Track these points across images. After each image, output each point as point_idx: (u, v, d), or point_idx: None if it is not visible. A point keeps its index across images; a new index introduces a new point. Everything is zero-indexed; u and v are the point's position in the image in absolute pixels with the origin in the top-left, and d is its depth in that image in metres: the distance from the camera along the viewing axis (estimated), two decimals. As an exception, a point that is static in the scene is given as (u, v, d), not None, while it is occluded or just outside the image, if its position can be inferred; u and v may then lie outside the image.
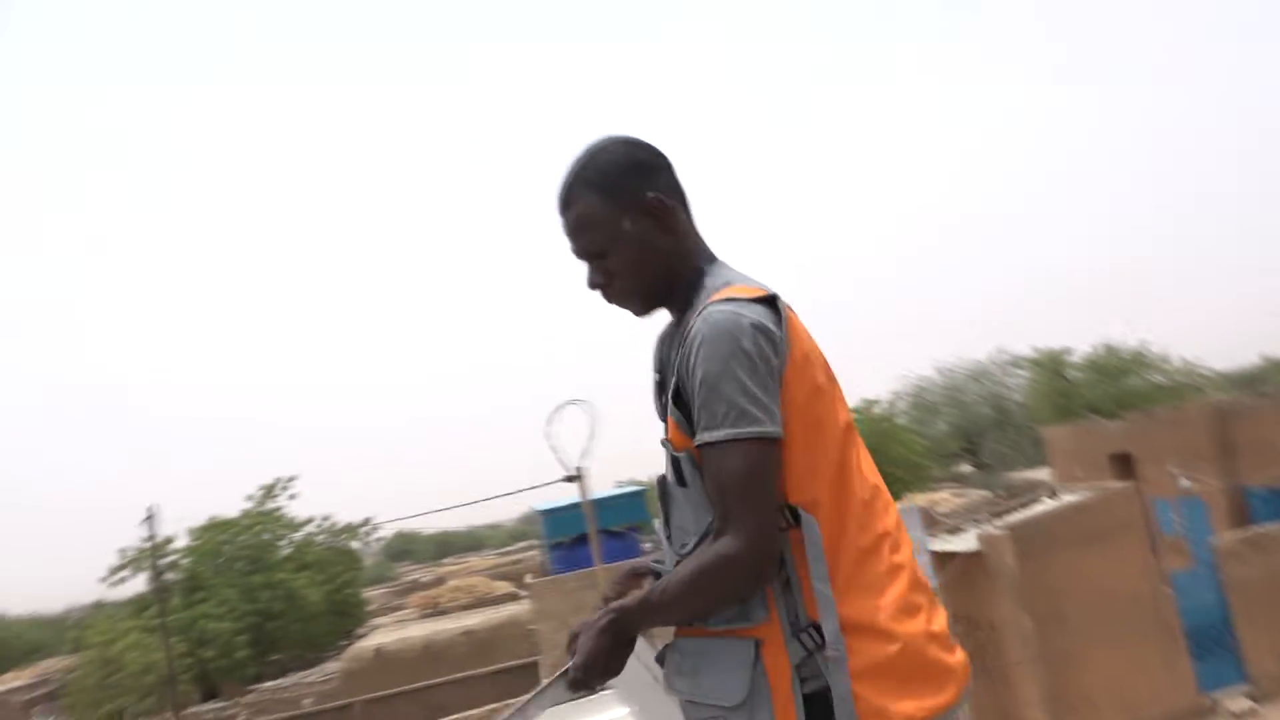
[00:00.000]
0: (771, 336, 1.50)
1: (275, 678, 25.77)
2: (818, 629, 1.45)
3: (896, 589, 1.51)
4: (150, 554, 26.93)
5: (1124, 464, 16.74)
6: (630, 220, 1.64)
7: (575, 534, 16.14)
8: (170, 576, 28.40)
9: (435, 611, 26.77)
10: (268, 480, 31.05)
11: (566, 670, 1.59)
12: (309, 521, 32.31)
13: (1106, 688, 10.63)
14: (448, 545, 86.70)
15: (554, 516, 16.82)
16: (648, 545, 18.70)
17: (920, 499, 20.76)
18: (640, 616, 1.54)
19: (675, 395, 1.56)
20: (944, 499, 22.98)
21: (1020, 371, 35.16)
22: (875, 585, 1.49)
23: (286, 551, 30.75)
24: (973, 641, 11.92)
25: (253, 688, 25.24)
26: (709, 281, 1.64)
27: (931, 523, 14.74)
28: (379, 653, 21.75)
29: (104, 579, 29.33)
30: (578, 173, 1.67)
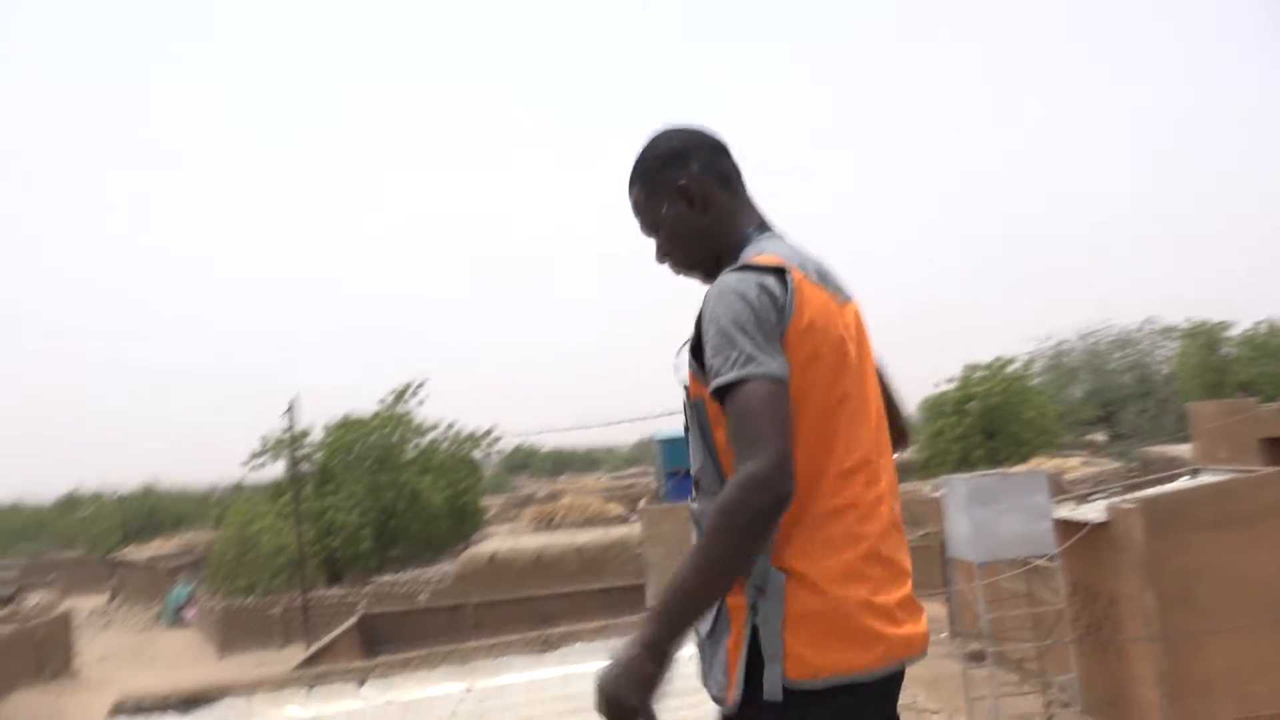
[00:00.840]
0: (774, 297, 1.63)
1: (395, 571, 27.10)
2: (780, 573, 1.59)
3: (848, 555, 1.62)
4: (288, 444, 28.44)
5: (1276, 449, 15.81)
6: (667, 205, 1.86)
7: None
8: (304, 467, 29.98)
9: (548, 525, 27.57)
10: (400, 384, 32.21)
11: None
12: (435, 427, 33.51)
13: (1227, 677, 10.20)
14: (564, 463, 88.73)
15: (673, 445, 16.98)
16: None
17: (1048, 464, 20.11)
18: (655, 624, 1.53)
19: (694, 348, 1.69)
20: (1074, 466, 22.21)
21: (1170, 343, 33.40)
22: (827, 548, 1.61)
23: (412, 454, 32.01)
24: (1089, 614, 11.58)
25: (373, 578, 26.62)
26: (746, 252, 1.77)
27: (1058, 490, 14.30)
28: (493, 559, 22.58)
29: (245, 463, 31.20)
30: (633, 165, 1.91)
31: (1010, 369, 29.54)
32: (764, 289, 1.63)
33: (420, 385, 32.78)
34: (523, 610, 18.49)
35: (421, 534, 30.26)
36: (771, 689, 1.56)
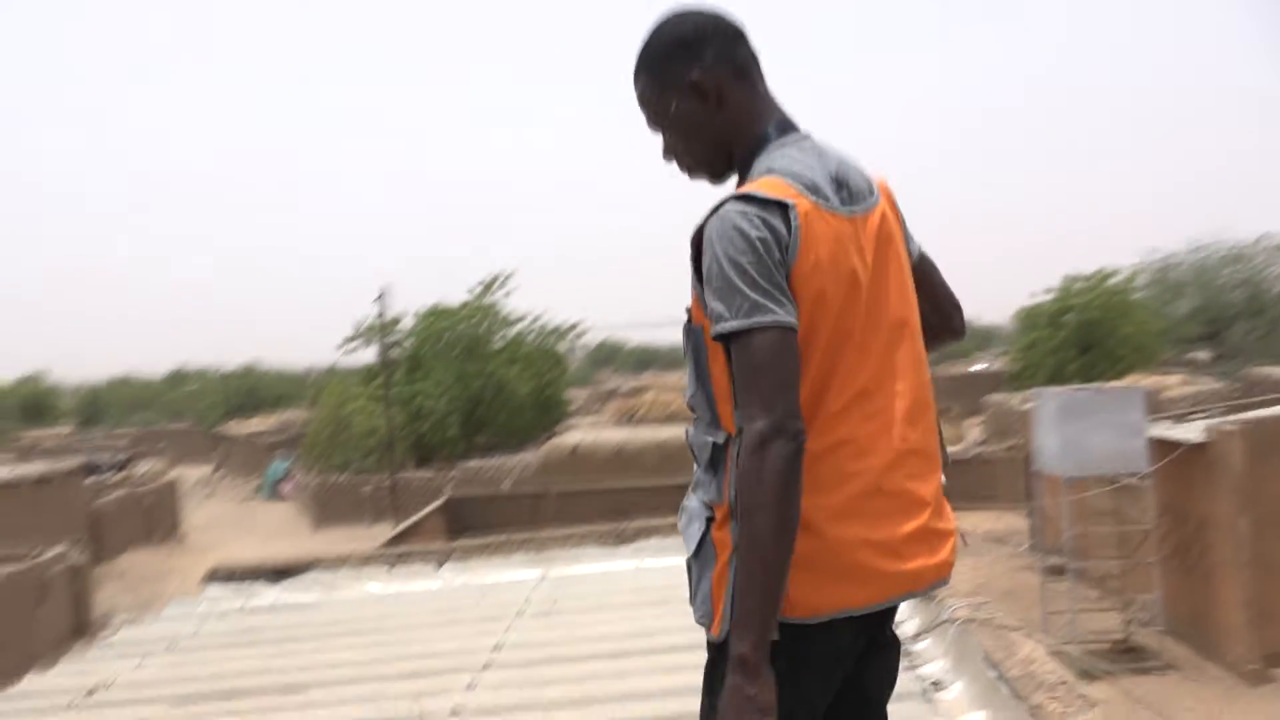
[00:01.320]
0: (779, 236, 1.52)
1: (480, 458, 27.86)
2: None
3: (841, 494, 1.56)
4: (379, 330, 29.13)
5: (1394, 375, 14.99)
6: (678, 101, 1.67)
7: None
8: (395, 353, 30.73)
9: (630, 420, 27.91)
10: (489, 276, 32.55)
11: None
12: (522, 319, 33.91)
13: (1318, 607, 9.93)
14: (649, 359, 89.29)
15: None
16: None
17: (1145, 382, 19.45)
18: (742, 631, 1.46)
19: (695, 268, 1.60)
20: (1172, 385, 21.46)
21: (1288, 260, 31.70)
22: (817, 489, 1.53)
23: (499, 345, 32.52)
24: (1177, 536, 11.31)
25: (459, 463, 27.41)
26: (760, 161, 1.65)
27: (1155, 408, 13.84)
28: (575, 450, 23.00)
29: (340, 346, 32.12)
30: (639, 53, 1.71)
31: (1112, 282, 28.44)
32: (768, 226, 1.52)
33: (508, 277, 33.09)
34: (602, 501, 18.85)
35: (507, 423, 30.95)
36: (805, 624, 1.55)
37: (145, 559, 22.73)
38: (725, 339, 1.52)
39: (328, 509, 26.79)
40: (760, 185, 1.57)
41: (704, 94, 1.66)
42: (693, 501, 1.68)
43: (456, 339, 31.49)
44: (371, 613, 5.07)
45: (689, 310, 1.65)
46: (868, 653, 1.67)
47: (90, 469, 27.81)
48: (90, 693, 4.12)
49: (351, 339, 31.60)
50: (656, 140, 1.77)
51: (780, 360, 1.48)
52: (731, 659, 1.45)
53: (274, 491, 32.16)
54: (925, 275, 1.83)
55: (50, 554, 14.53)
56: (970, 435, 27.02)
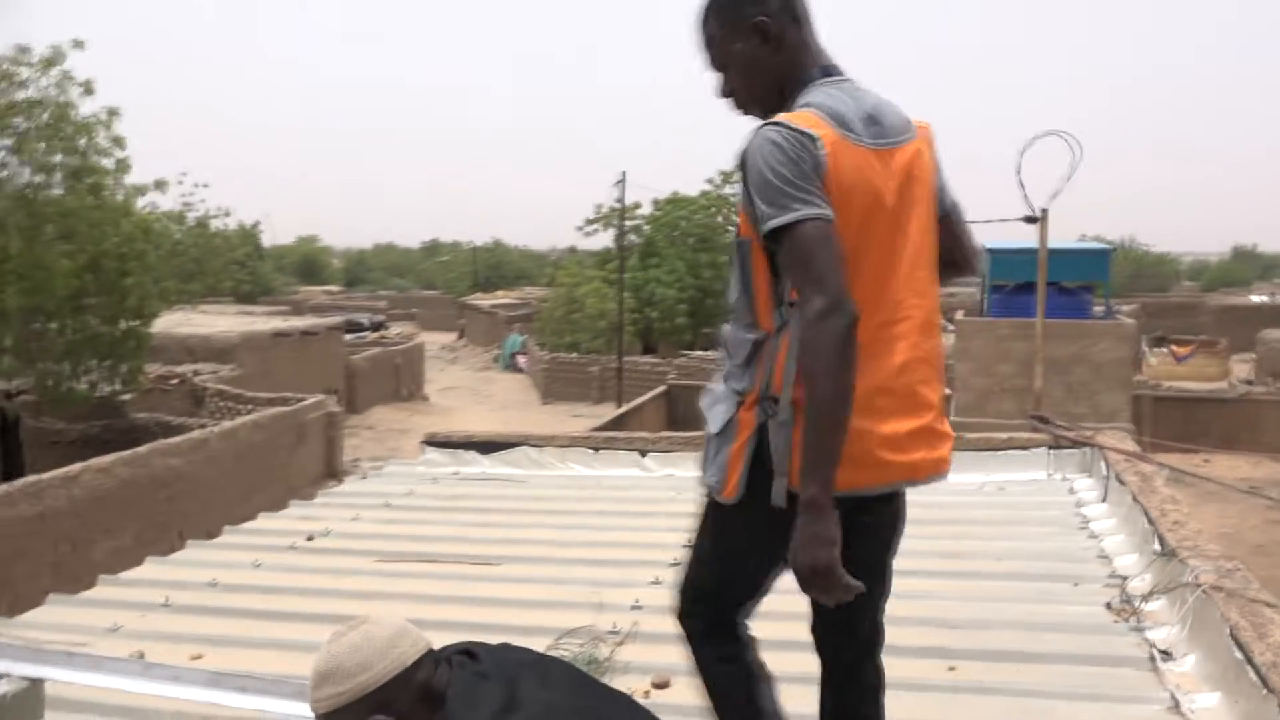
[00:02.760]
0: (813, 152, 1.71)
1: (705, 349, 28.05)
2: (775, 400, 1.76)
3: (859, 389, 1.69)
4: (617, 215, 29.54)
5: None
6: (742, 42, 1.85)
7: (1021, 280, 15.09)
8: (631, 239, 31.15)
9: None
10: (727, 166, 32.16)
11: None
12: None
13: None
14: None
15: (1001, 257, 15.76)
16: (1099, 309, 17.13)
17: None
18: (814, 480, 1.66)
19: (746, 189, 1.77)
20: None
21: None
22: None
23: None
24: None
25: (684, 352, 27.72)
26: (801, 97, 1.83)
27: None
28: (799, 350, 22.65)
29: (579, 228, 32.92)
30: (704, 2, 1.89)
31: None
32: (800, 143, 1.72)
33: (748, 168, 32.58)
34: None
35: (734, 316, 30.90)
36: (778, 497, 1.76)
37: (391, 414, 24.62)
38: (775, 235, 1.71)
39: (556, 384, 27.92)
40: (793, 117, 1.76)
41: (766, 36, 1.84)
42: (720, 387, 1.93)
43: (691, 229, 31.50)
44: (571, 494, 5.13)
45: (737, 224, 1.87)
46: (854, 528, 1.78)
47: (351, 327, 30.25)
48: (310, 538, 4.41)
49: (591, 222, 32.30)
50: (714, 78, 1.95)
51: (826, 246, 1.68)
52: (802, 502, 1.66)
53: (510, 363, 33.83)
54: (954, 222, 2.04)
55: (310, 400, 15.95)
56: (1236, 372, 24.52)
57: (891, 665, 2.91)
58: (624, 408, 19.96)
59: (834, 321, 1.63)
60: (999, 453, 5.42)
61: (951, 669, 2.92)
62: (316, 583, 3.76)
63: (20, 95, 12.41)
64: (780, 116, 1.76)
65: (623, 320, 26.95)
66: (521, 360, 33.17)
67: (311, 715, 1.52)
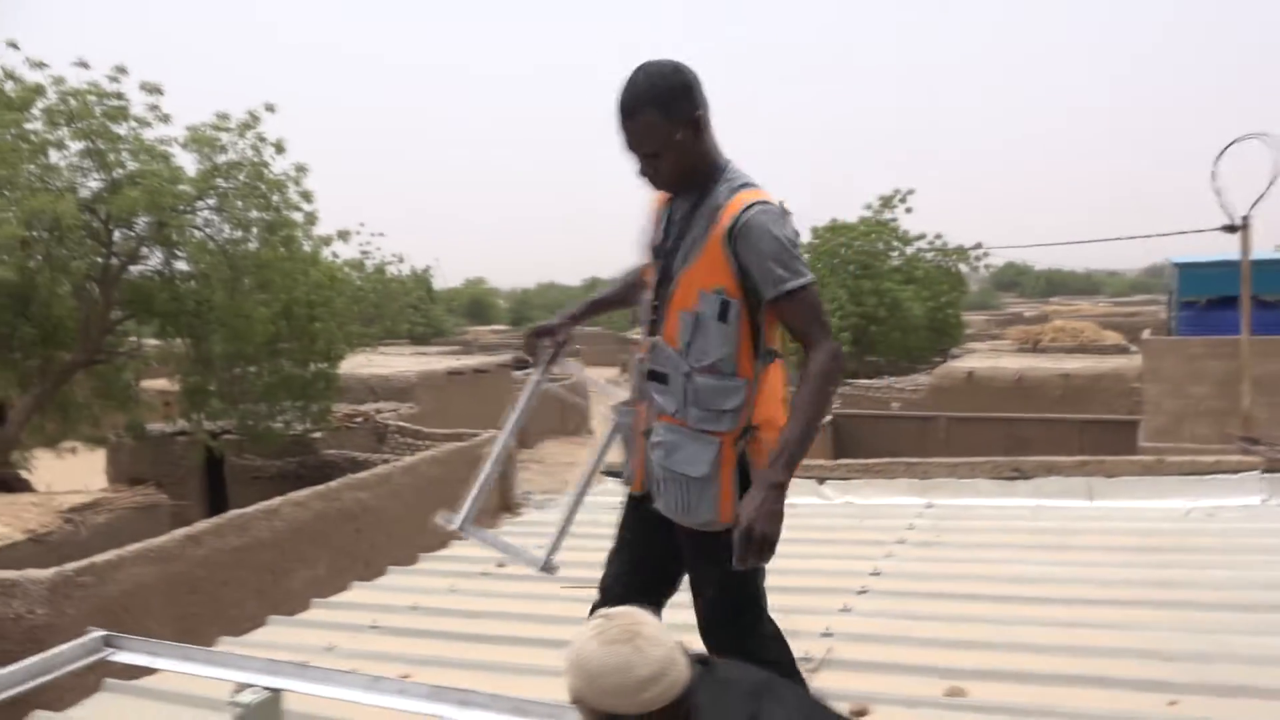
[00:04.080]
0: (794, 225, 2.19)
1: (870, 377, 27.48)
2: (754, 429, 2.19)
3: (777, 408, 2.23)
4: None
5: None
6: (681, 132, 2.14)
7: (1216, 295, 14.14)
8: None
9: (1033, 348, 26.00)
10: (887, 191, 31.59)
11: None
12: (921, 237, 32.62)
13: None
14: (1059, 284, 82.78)
15: (1194, 272, 14.82)
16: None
17: None
18: (788, 471, 2.06)
19: (747, 257, 2.11)
20: None
21: None
22: (777, 401, 2.24)
23: (896, 263, 31.60)
24: None
25: (849, 381, 27.24)
26: (729, 175, 2.21)
27: None
28: (970, 376, 21.90)
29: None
30: (644, 91, 2.12)
31: None
32: (790, 218, 2.17)
33: (908, 193, 31.90)
34: (996, 431, 17.84)
35: (899, 343, 30.18)
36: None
37: (559, 448, 25.17)
38: (789, 293, 2.10)
39: (719, 416, 27.89)
40: (763, 194, 2.17)
41: (699, 127, 2.16)
42: (682, 433, 2.21)
43: (852, 256, 31.03)
44: (751, 522, 5.13)
45: (719, 289, 2.15)
46: None
47: (519, 364, 31.17)
48: (500, 564, 4.57)
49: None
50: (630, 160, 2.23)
51: (823, 304, 2.16)
52: (773, 484, 2.03)
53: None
54: None
55: (484, 436, 16.48)
56: None
57: (1108, 699, 2.78)
58: (789, 438, 19.76)
59: (841, 360, 2.15)
60: (1205, 477, 5.10)
61: (1172, 704, 2.76)
62: (510, 607, 3.89)
63: (221, 159, 13.46)
64: (765, 195, 2.15)
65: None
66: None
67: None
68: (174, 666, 2.44)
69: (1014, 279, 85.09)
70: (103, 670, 3.19)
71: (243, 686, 2.34)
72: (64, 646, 2.35)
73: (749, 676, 1.52)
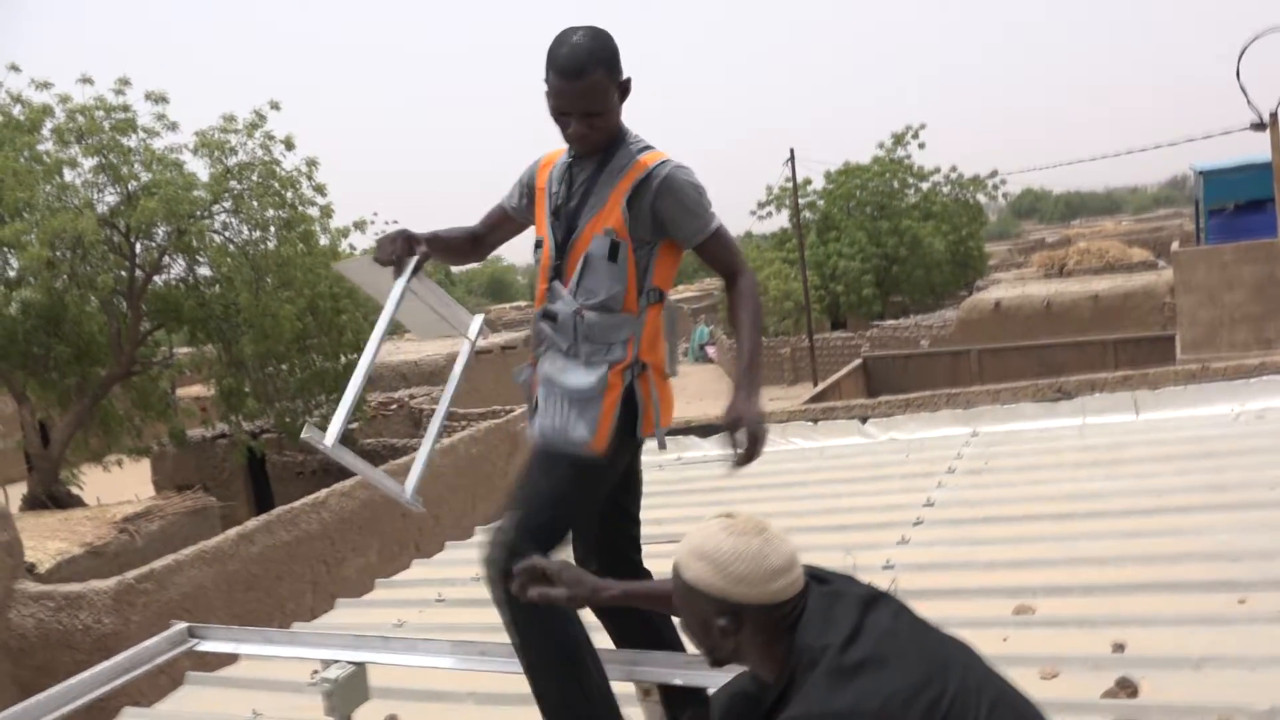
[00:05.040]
0: None
1: (896, 317, 27.34)
2: (644, 365, 2.29)
3: (663, 353, 2.37)
4: (791, 194, 29.23)
5: None
6: (617, 93, 2.23)
7: (1244, 199, 13.92)
8: (807, 215, 30.74)
9: (1059, 272, 25.74)
10: (898, 128, 31.23)
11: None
12: (935, 172, 32.30)
13: None
14: (1079, 206, 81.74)
15: (1218, 178, 14.59)
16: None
17: None
18: (760, 375, 2.21)
19: (630, 203, 2.22)
20: None
21: None
22: (659, 347, 2.34)
23: (913, 200, 31.32)
24: None
25: (875, 323, 27.12)
26: (631, 139, 2.30)
27: None
28: (998, 306, 21.75)
29: (753, 212, 32.78)
30: (593, 51, 2.15)
31: None
32: None
33: (919, 128, 31.54)
34: (1029, 359, 17.73)
35: (923, 280, 29.98)
36: (659, 437, 2.33)
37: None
38: (714, 234, 2.28)
39: (749, 370, 27.87)
40: (666, 154, 2.29)
41: (626, 92, 2.26)
42: (572, 361, 2.27)
43: (868, 197, 30.77)
44: (798, 467, 5.14)
45: (614, 230, 2.23)
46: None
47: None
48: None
49: (764, 204, 32.08)
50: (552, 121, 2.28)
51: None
52: (757, 387, 2.16)
53: (700, 354, 34.05)
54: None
55: (519, 410, 16.58)
56: None
57: (1178, 602, 2.79)
58: (821, 385, 19.73)
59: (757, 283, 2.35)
60: (1251, 380, 5.06)
61: (1242, 602, 2.77)
62: (571, 570, 3.93)
63: (232, 161, 13.51)
64: (667, 155, 2.29)
65: (808, 298, 26.64)
66: (711, 350, 33.32)
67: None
68: (258, 650, 2.50)
69: (1033, 205, 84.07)
70: (185, 664, 3.27)
71: (327, 664, 2.39)
72: (150, 641, 2.41)
73: (858, 589, 1.55)
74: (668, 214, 2.24)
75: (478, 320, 2.70)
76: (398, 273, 2.39)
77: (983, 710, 1.39)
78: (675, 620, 2.21)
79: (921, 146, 31.75)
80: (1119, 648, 2.59)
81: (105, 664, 2.28)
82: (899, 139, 31.55)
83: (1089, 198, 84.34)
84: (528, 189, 2.45)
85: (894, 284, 30.07)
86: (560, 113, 2.20)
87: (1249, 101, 9.05)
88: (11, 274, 12.62)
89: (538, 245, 2.37)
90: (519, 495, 2.24)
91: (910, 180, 31.68)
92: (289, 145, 13.80)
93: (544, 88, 2.21)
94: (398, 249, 2.39)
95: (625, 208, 2.23)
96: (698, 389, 28.50)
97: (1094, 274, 24.08)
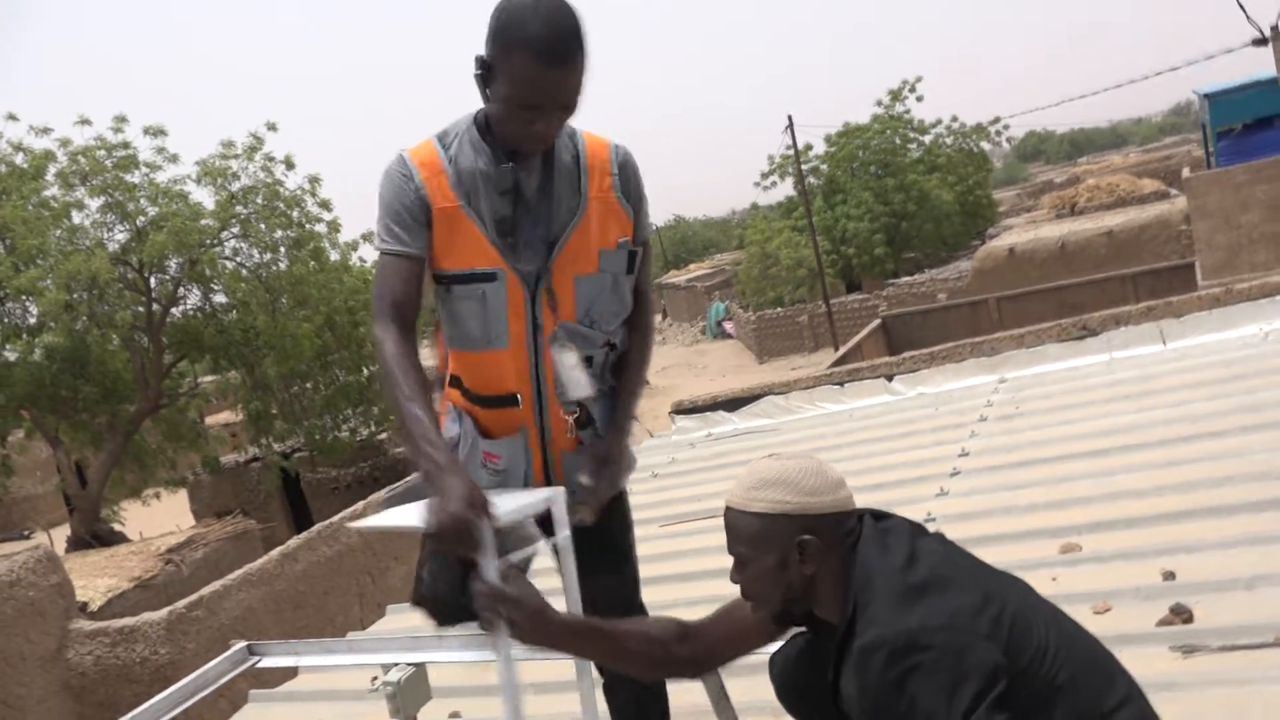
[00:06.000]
0: None
1: (910, 274, 27.21)
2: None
3: None
4: (793, 161, 29.09)
5: None
6: (583, 86, 1.80)
7: (1251, 118, 13.74)
8: (812, 181, 30.60)
9: (1070, 211, 25.52)
10: (894, 85, 31.02)
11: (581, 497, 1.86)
12: (937, 124, 32.07)
13: None
14: (1084, 143, 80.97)
15: (1223, 99, 14.40)
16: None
17: None
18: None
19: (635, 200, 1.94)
20: None
21: None
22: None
23: (916, 154, 31.11)
24: None
25: (890, 282, 27.01)
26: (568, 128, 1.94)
27: None
28: (1012, 252, 21.59)
29: (757, 184, 32.66)
30: (576, 29, 1.72)
31: None
32: None
33: (916, 81, 31.30)
34: (1049, 302, 17.59)
35: (934, 234, 29.82)
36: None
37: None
38: (647, 239, 1.99)
39: (769, 341, 27.85)
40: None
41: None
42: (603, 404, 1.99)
43: (871, 156, 30.60)
44: (829, 430, 5.15)
45: (626, 237, 1.92)
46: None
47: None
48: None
49: (767, 174, 31.97)
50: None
51: None
52: (629, 432, 1.98)
53: (718, 331, 34.02)
54: None
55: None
56: None
57: (1225, 526, 2.79)
58: (843, 349, 19.68)
59: None
60: (1276, 298, 5.01)
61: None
62: (614, 554, 3.95)
63: (235, 186, 13.59)
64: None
65: (821, 264, 26.55)
66: (728, 326, 33.28)
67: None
68: (318, 661, 2.53)
69: (1037, 147, 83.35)
70: (245, 686, 3.32)
71: (387, 668, 2.42)
72: (212, 662, 2.45)
73: (903, 521, 1.57)
74: (637, 205, 1.94)
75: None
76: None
77: (1041, 627, 1.41)
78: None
79: (920, 100, 31.52)
80: (1169, 576, 2.59)
81: (170, 689, 2.32)
82: (896, 95, 31.32)
83: (1094, 134, 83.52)
84: (423, 214, 1.82)
85: (905, 241, 29.91)
86: (528, 105, 1.73)
87: (1248, 18, 8.94)
88: (32, 320, 12.78)
89: (485, 278, 1.83)
90: (631, 560, 2.10)
91: (912, 135, 31.47)
92: (289, 165, 13.87)
93: (490, 68, 1.74)
94: (460, 539, 1.64)
95: (626, 204, 1.91)
96: (719, 366, 28.50)
97: (1106, 210, 23.85)
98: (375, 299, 1.85)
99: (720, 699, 2.03)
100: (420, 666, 2.40)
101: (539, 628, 1.67)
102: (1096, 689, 1.40)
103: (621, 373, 1.98)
